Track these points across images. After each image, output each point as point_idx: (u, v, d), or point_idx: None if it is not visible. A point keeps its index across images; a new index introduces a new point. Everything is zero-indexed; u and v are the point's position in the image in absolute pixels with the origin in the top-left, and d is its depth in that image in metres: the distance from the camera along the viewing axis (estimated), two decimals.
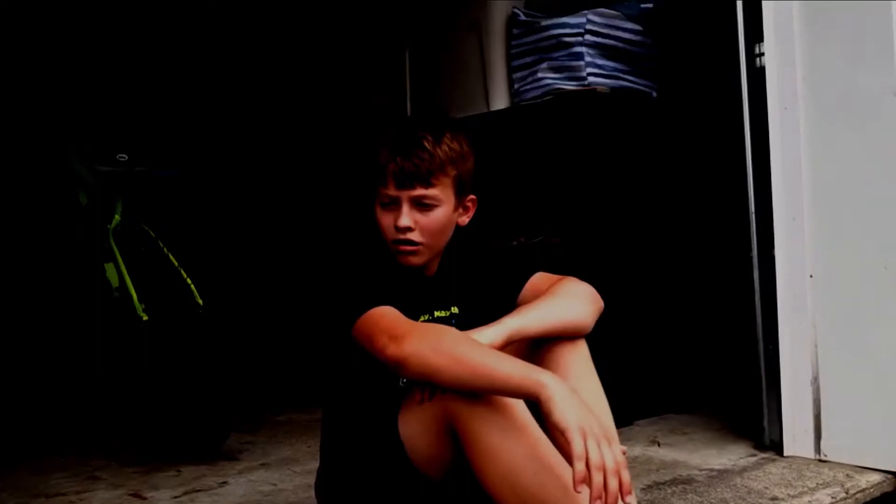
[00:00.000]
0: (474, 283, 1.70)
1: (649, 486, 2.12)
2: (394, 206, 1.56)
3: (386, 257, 1.62)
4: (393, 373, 1.48)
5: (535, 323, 1.49)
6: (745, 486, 2.10)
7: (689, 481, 2.17)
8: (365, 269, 1.60)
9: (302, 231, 4.06)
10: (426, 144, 1.53)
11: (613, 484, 1.20)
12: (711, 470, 2.27)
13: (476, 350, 1.36)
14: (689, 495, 2.04)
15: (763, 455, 2.40)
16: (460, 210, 1.63)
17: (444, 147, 1.54)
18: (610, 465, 1.21)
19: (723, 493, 2.05)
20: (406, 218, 1.54)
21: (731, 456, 2.41)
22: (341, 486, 1.61)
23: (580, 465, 1.20)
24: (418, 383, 1.46)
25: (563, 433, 1.24)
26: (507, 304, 1.61)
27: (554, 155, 2.96)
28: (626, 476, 1.23)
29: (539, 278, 1.66)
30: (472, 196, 1.65)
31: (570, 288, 1.58)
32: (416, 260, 1.59)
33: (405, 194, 1.54)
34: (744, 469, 2.27)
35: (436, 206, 1.56)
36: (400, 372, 1.41)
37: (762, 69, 2.40)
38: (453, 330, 1.42)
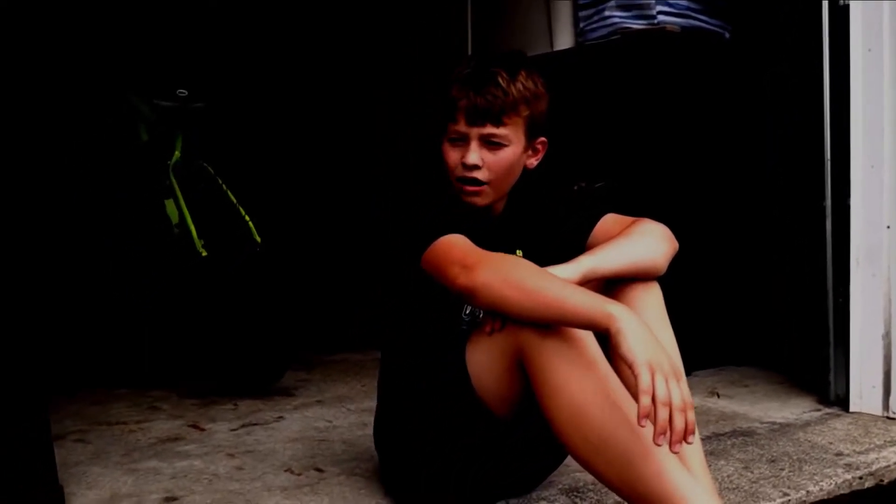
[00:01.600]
0: (541, 226, 1.66)
1: (708, 437, 2.07)
2: (462, 142, 1.52)
3: (451, 196, 1.59)
4: (457, 306, 1.45)
5: (609, 262, 1.45)
6: (809, 441, 2.04)
7: (749, 433, 2.12)
8: (433, 202, 1.56)
9: (366, 170, 4.04)
10: (500, 81, 1.49)
11: (679, 421, 1.16)
12: (773, 423, 2.22)
13: (547, 281, 1.32)
14: (750, 447, 1.99)
15: (828, 410, 2.33)
16: (529, 152, 1.59)
17: (519, 85, 1.50)
18: (677, 402, 1.17)
19: (784, 447, 1.99)
20: (474, 155, 1.51)
21: (794, 410, 2.35)
22: (402, 426, 1.59)
23: (646, 399, 1.17)
24: (485, 313, 1.43)
25: (630, 366, 1.20)
26: (576, 246, 1.57)
27: (620, 98, 2.87)
28: (691, 415, 1.19)
29: (610, 220, 1.61)
30: (542, 138, 1.61)
31: (645, 227, 1.52)
32: (479, 200, 1.56)
33: (475, 131, 1.51)
34: (807, 423, 2.21)
35: (505, 145, 1.52)
36: (470, 302, 1.39)
37: (846, 7, 2.28)
38: (526, 261, 1.38)
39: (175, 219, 2.89)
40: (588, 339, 1.33)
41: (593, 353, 1.32)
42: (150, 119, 3.00)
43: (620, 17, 2.86)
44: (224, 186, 2.83)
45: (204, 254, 2.77)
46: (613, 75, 2.87)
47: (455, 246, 1.42)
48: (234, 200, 2.81)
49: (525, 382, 1.38)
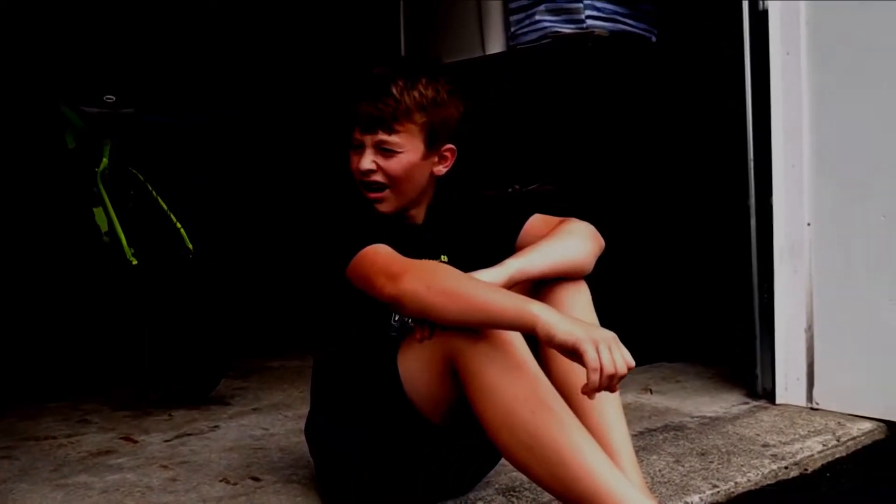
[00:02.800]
0: (465, 231, 1.68)
1: (641, 433, 2.12)
2: (360, 149, 1.57)
3: (373, 209, 1.61)
4: (387, 313, 1.45)
5: (536, 263, 1.47)
6: (737, 433, 2.10)
7: (680, 428, 2.17)
8: (356, 213, 1.60)
9: (294, 178, 4.01)
10: (394, 90, 1.52)
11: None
12: (703, 417, 2.28)
13: (471, 285, 1.34)
14: (681, 441, 2.04)
15: (755, 403, 2.40)
16: (435, 159, 1.61)
17: (415, 93, 1.53)
18: (622, 369, 1.23)
19: (714, 440, 2.05)
20: (365, 160, 1.56)
21: (724, 404, 2.41)
22: (335, 434, 1.58)
23: (595, 376, 1.21)
24: (414, 322, 1.45)
25: (573, 347, 1.22)
26: (504, 249, 1.59)
27: (550, 100, 2.91)
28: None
29: (537, 220, 1.64)
30: (449, 145, 1.62)
31: (571, 227, 1.56)
32: (384, 207, 1.59)
33: (369, 138, 1.56)
34: (736, 416, 2.27)
35: (399, 152, 1.55)
36: (397, 310, 1.42)
37: (765, 12, 2.35)
38: (449, 267, 1.40)
39: (104, 227, 2.83)
40: (517, 341, 1.35)
41: (522, 355, 1.34)
42: (76, 125, 2.94)
43: (550, 21, 2.91)
44: (154, 193, 2.78)
45: (134, 262, 2.72)
46: (544, 78, 2.91)
47: (378, 255, 1.44)
48: (165, 207, 2.76)
49: (458, 387, 1.39)
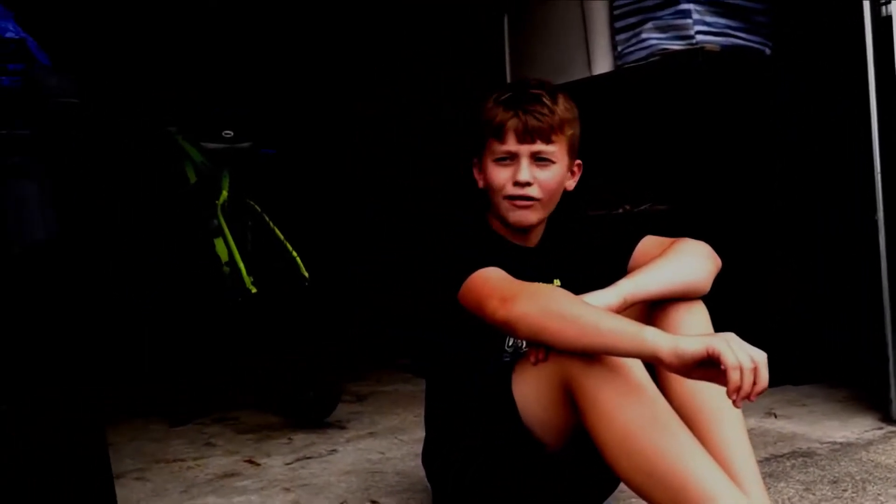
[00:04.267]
0: (577, 254, 1.66)
1: (767, 459, 2.03)
2: (511, 161, 1.55)
3: (486, 230, 1.62)
4: (499, 338, 1.44)
5: (651, 285, 1.44)
6: (871, 461, 1.99)
7: (809, 454, 2.07)
8: (468, 236, 1.60)
9: (404, 201, 4.08)
10: (546, 101, 1.54)
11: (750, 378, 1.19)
12: (834, 443, 2.17)
13: (587, 311, 1.32)
14: (811, 468, 1.95)
15: (890, 428, 2.27)
16: (569, 174, 1.62)
17: (561, 106, 1.55)
18: (760, 359, 1.19)
19: (847, 467, 1.95)
20: (525, 171, 1.54)
21: (855, 429, 2.29)
22: (451, 459, 1.58)
23: (735, 374, 1.17)
24: (528, 345, 1.44)
25: (706, 354, 1.20)
26: (616, 271, 1.56)
27: (660, 119, 2.86)
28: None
29: (650, 241, 1.61)
30: (578, 161, 1.65)
31: (685, 247, 1.52)
32: (531, 217, 1.57)
33: (525, 149, 1.54)
34: (869, 442, 2.15)
35: (553, 162, 1.56)
36: (511, 334, 1.41)
37: (888, 18, 2.25)
38: (564, 291, 1.38)
39: (225, 257, 2.94)
40: (635, 364, 1.32)
41: (640, 378, 1.31)
42: (197, 160, 3.08)
43: (658, 38, 2.86)
44: (271, 223, 2.88)
45: (254, 290, 2.82)
46: (653, 97, 2.87)
47: (490, 279, 1.43)
48: (282, 237, 2.85)
49: (573, 411, 1.37)
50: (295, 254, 2.83)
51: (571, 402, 1.37)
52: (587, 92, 3.00)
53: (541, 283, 1.46)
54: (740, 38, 2.86)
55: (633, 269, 1.55)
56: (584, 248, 1.67)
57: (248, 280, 2.84)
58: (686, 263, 1.49)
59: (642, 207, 2.93)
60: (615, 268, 1.59)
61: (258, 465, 2.28)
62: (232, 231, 2.92)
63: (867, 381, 2.55)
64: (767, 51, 2.94)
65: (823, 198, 2.90)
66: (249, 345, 2.98)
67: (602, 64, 3.09)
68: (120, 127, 3.37)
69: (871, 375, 2.47)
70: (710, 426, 1.41)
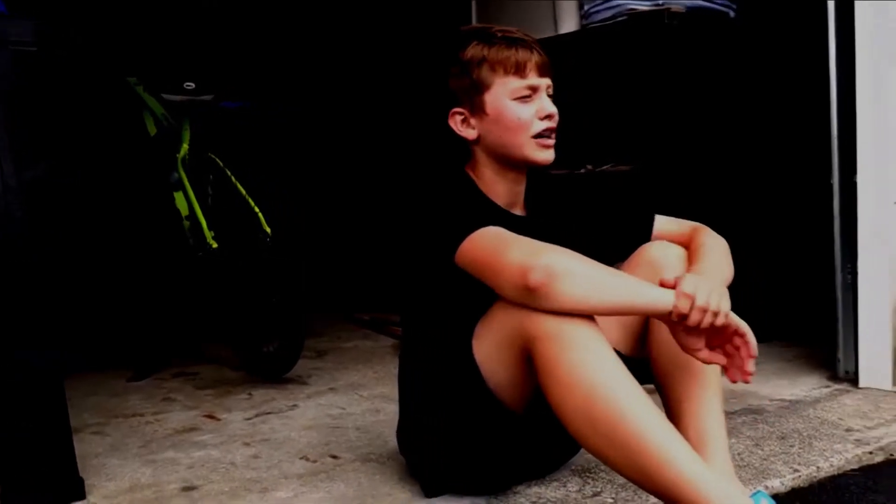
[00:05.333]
0: (573, 225, 1.64)
1: None
2: (533, 96, 1.52)
3: (475, 192, 1.57)
4: (486, 301, 1.42)
5: (717, 278, 1.43)
6: (818, 417, 2.06)
7: (759, 411, 2.13)
8: (460, 197, 1.55)
9: (376, 159, 4.06)
10: (532, 37, 1.54)
11: (708, 321, 1.29)
12: (783, 400, 2.23)
13: (604, 267, 1.33)
14: (760, 425, 2.01)
15: (837, 386, 2.34)
16: None
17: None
18: (714, 306, 1.28)
19: (795, 424, 2.01)
20: (550, 104, 1.53)
21: (804, 387, 2.36)
22: (421, 420, 1.59)
23: (683, 303, 1.28)
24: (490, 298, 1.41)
25: (678, 284, 1.30)
26: (620, 251, 1.59)
27: (625, 79, 2.86)
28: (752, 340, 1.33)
29: (667, 224, 1.64)
30: None
31: (717, 243, 1.55)
32: (552, 156, 1.55)
33: (545, 82, 1.53)
34: (817, 400, 2.22)
35: (551, 98, 1.55)
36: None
37: None
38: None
39: (185, 211, 2.91)
40: (594, 330, 1.31)
41: (601, 345, 1.31)
42: (157, 113, 3.02)
43: None
44: (233, 178, 2.85)
45: (214, 245, 2.80)
46: (619, 57, 2.86)
47: (504, 233, 1.38)
48: (244, 192, 2.82)
49: (531, 371, 1.37)
50: (257, 209, 2.80)
51: (531, 365, 1.36)
52: (553, 51, 2.97)
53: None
54: (705, 0, 2.87)
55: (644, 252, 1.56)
56: (577, 218, 1.66)
57: (208, 235, 2.82)
58: (726, 264, 1.52)
59: (605, 167, 2.95)
60: (622, 249, 1.60)
61: (218, 420, 2.29)
62: (193, 185, 2.89)
63: (816, 341, 2.61)
64: (732, 13, 2.95)
65: (782, 160, 2.94)
66: (210, 299, 2.96)
67: (568, 23, 3.08)
68: (79, 75, 3.29)
69: (819, 335, 2.54)
70: (690, 386, 1.46)
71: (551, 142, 1.54)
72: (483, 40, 1.52)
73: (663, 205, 1.72)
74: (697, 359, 1.35)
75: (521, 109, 1.51)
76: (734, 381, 1.35)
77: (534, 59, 1.50)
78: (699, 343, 1.33)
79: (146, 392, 2.64)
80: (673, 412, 1.49)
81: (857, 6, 2.24)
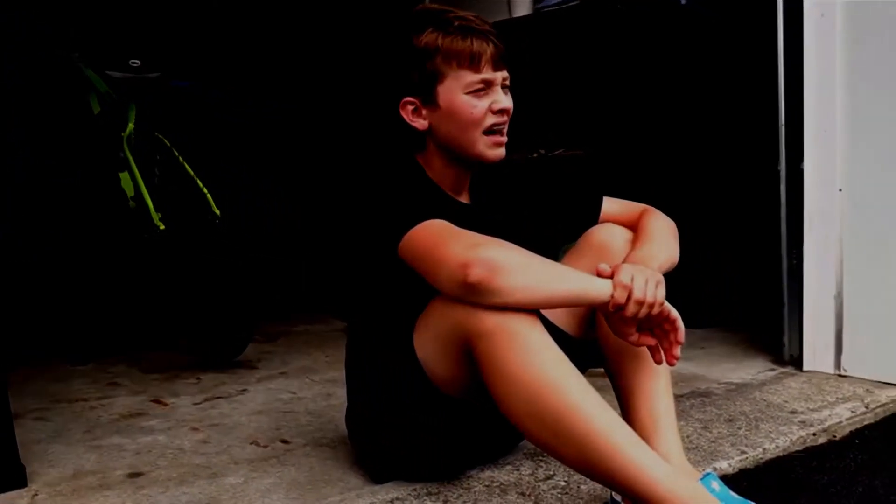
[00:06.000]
0: (519, 210, 1.63)
1: None
2: (487, 90, 1.47)
3: (424, 180, 1.55)
4: (426, 294, 1.40)
5: (660, 261, 1.45)
6: (764, 400, 2.10)
7: (707, 394, 2.17)
8: (408, 186, 1.52)
9: (323, 143, 4.01)
10: (490, 25, 1.48)
11: (645, 312, 1.30)
12: (730, 383, 2.27)
13: (546, 260, 1.32)
14: (708, 408, 2.04)
15: (782, 370, 2.39)
16: None
17: None
18: (650, 297, 1.29)
19: (741, 406, 2.04)
20: (506, 98, 1.49)
21: (750, 370, 2.41)
22: (368, 408, 1.58)
23: (620, 293, 1.28)
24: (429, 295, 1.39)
25: (615, 273, 1.30)
26: (567, 236, 1.59)
27: (576, 64, 2.88)
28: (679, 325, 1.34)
29: (615, 206, 1.64)
30: None
31: (663, 225, 1.56)
32: (503, 153, 1.52)
33: (499, 76, 1.48)
34: (762, 383, 2.26)
35: (509, 90, 1.51)
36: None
37: None
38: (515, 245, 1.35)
39: (131, 192, 2.85)
40: (535, 324, 1.30)
41: (544, 339, 1.30)
42: (102, 90, 2.94)
43: None
44: (181, 158, 2.79)
45: (161, 227, 2.74)
46: (571, 41, 2.88)
47: (448, 227, 1.35)
48: (192, 172, 2.77)
49: (474, 368, 1.34)
50: (206, 190, 2.75)
51: (471, 359, 1.34)
52: (506, 34, 2.98)
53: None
54: None
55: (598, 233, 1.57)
56: (523, 203, 1.65)
57: (155, 216, 2.76)
58: (672, 245, 1.53)
59: (557, 152, 2.96)
60: (569, 231, 1.61)
61: (165, 404, 2.25)
62: (139, 165, 2.82)
63: (762, 325, 2.66)
64: (683, 1, 2.97)
65: (730, 146, 2.98)
66: (157, 282, 2.90)
67: (521, 7, 3.08)
68: (18, 51, 3.19)
69: (765, 319, 2.58)
70: (640, 371, 1.47)
71: (503, 139, 1.51)
72: (438, 27, 1.46)
73: (613, 188, 1.74)
74: (627, 342, 1.37)
75: (473, 103, 1.47)
76: (659, 363, 1.39)
77: (489, 50, 1.45)
78: (631, 328, 1.35)
79: (91, 377, 2.58)
80: (623, 396, 1.50)
81: (806, 7, 2.27)
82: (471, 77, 1.46)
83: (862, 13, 2.21)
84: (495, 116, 1.48)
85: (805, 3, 2.27)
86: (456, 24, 1.46)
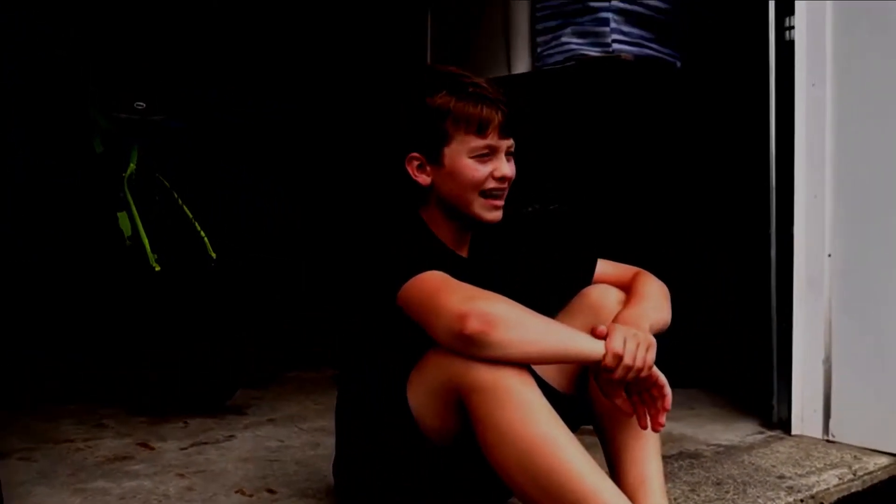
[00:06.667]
0: (516, 267, 1.66)
1: None
2: (489, 156, 1.51)
3: (426, 232, 1.58)
4: (424, 345, 1.42)
5: (653, 320, 1.48)
6: (753, 464, 2.10)
7: (696, 456, 2.17)
8: (409, 238, 1.54)
9: (324, 192, 4.04)
10: (503, 95, 1.52)
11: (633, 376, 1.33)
12: (718, 445, 2.27)
13: (539, 316, 1.35)
14: (696, 470, 2.04)
15: (771, 433, 2.39)
16: None
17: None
18: (639, 362, 1.32)
19: (729, 470, 2.04)
20: (507, 166, 1.53)
21: (739, 432, 2.41)
22: (356, 457, 1.58)
23: (611, 360, 1.31)
24: (427, 345, 1.41)
25: (608, 336, 1.33)
26: (562, 295, 1.61)
27: (574, 122, 2.93)
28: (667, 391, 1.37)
29: (607, 267, 1.67)
30: None
31: (656, 287, 1.59)
32: (500, 215, 1.56)
33: (504, 143, 1.52)
34: (751, 446, 2.27)
35: (513, 157, 1.56)
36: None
37: (791, 43, 2.36)
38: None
39: (128, 231, 2.86)
40: (528, 381, 1.33)
41: (535, 397, 1.33)
42: (106, 130, 2.97)
43: (577, 44, 2.93)
44: (180, 201, 2.81)
45: (157, 268, 2.75)
46: (569, 99, 2.93)
47: (447, 278, 1.39)
48: (191, 215, 2.79)
49: (464, 418, 1.37)
50: (203, 233, 2.77)
51: (463, 410, 1.37)
52: (506, 90, 3.04)
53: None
54: (653, 50, 2.96)
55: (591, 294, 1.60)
56: (520, 261, 1.67)
57: (151, 257, 2.77)
58: (663, 307, 1.56)
59: (551, 207, 3.00)
60: (564, 291, 1.63)
61: (152, 448, 2.24)
62: (138, 206, 2.84)
63: (750, 386, 2.67)
64: (678, 63, 3.04)
65: (721, 208, 3.02)
66: (151, 325, 2.90)
67: (521, 64, 3.15)
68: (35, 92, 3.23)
69: (754, 382, 2.59)
70: (629, 431, 1.49)
71: (500, 202, 1.54)
72: (452, 91, 1.50)
73: (604, 245, 1.77)
74: (613, 403, 1.40)
75: (477, 167, 1.51)
76: (644, 428, 1.41)
77: (497, 119, 1.49)
78: (619, 390, 1.38)
79: (78, 417, 2.57)
80: (613, 456, 1.52)
81: (797, 68, 2.32)
82: (477, 142, 1.50)
83: (852, 82, 2.26)
84: (496, 182, 1.52)
85: (797, 72, 2.33)
86: (470, 90, 1.50)
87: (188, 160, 3.35)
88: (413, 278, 1.39)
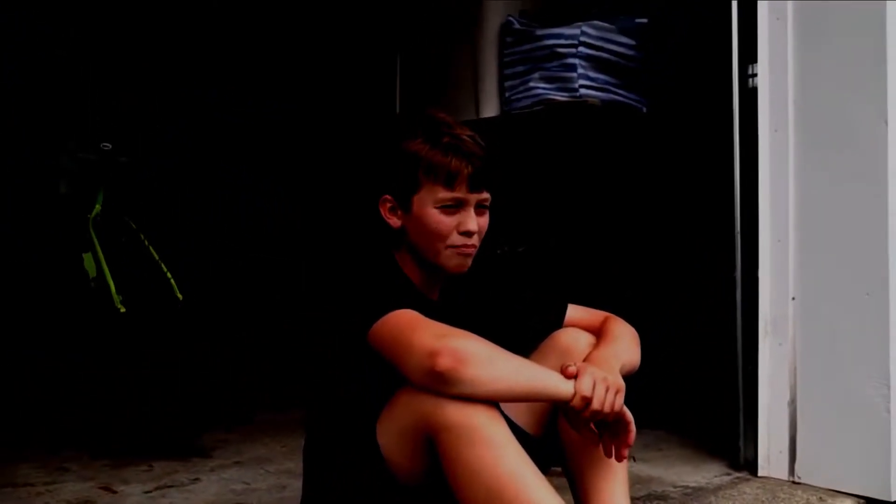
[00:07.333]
0: (485, 311, 1.66)
1: None
2: (458, 208, 1.50)
3: (398, 273, 1.58)
4: (396, 383, 1.41)
5: (623, 361, 1.49)
6: None
7: (663, 497, 2.17)
8: (380, 278, 1.56)
9: (293, 229, 4.03)
10: (480, 144, 1.51)
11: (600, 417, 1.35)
12: (686, 487, 2.28)
13: (511, 355, 1.36)
14: None
15: (738, 474, 2.40)
16: None
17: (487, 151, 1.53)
18: (607, 408, 1.33)
19: None
20: (474, 221, 1.51)
21: (706, 474, 2.42)
22: (324, 497, 1.57)
23: (578, 401, 1.32)
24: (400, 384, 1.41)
25: (578, 376, 1.34)
26: (532, 338, 1.63)
27: (542, 165, 2.96)
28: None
29: (577, 312, 1.68)
30: None
31: (626, 331, 1.61)
32: (468, 263, 1.55)
33: (474, 197, 1.50)
34: (718, 487, 2.27)
35: (488, 210, 1.55)
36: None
37: (754, 90, 2.42)
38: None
39: (93, 272, 2.83)
40: (497, 420, 1.34)
41: (506, 435, 1.34)
42: (71, 172, 2.96)
43: (544, 88, 2.98)
44: (146, 242, 2.80)
45: (122, 310, 2.72)
46: (537, 144, 2.97)
47: (418, 317, 1.39)
48: (157, 257, 2.77)
49: (433, 457, 1.37)
50: (169, 275, 2.76)
51: (434, 451, 1.37)
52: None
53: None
54: (620, 95, 3.01)
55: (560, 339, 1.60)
56: (489, 305, 1.68)
57: (116, 298, 2.75)
58: (632, 350, 1.57)
59: (519, 250, 3.02)
60: (534, 335, 1.64)
61: (115, 492, 2.19)
62: (103, 247, 2.82)
63: (718, 428, 2.69)
64: (644, 109, 3.10)
65: (686, 251, 3.06)
66: (114, 363, 2.85)
67: (489, 108, 3.19)
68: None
69: (721, 423, 2.61)
70: (598, 472, 1.51)
71: (468, 252, 1.53)
72: (427, 139, 1.49)
73: (573, 288, 1.78)
74: (578, 433, 1.41)
75: (442, 220, 1.50)
76: (608, 457, 1.42)
77: (467, 171, 1.47)
78: (585, 425, 1.39)
79: (39, 461, 2.51)
80: (581, 495, 1.53)
81: (760, 115, 2.38)
82: (444, 193, 1.49)
83: (813, 127, 2.32)
84: (461, 237, 1.51)
85: (760, 117, 2.39)
86: (445, 140, 1.48)
87: (154, 199, 3.33)
88: (384, 316, 1.40)
